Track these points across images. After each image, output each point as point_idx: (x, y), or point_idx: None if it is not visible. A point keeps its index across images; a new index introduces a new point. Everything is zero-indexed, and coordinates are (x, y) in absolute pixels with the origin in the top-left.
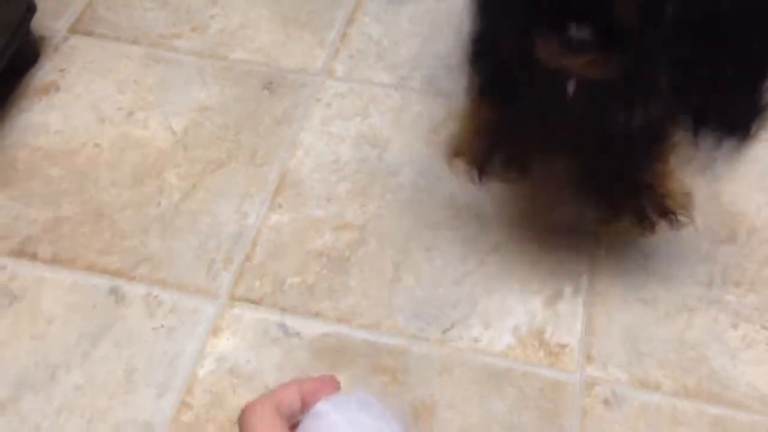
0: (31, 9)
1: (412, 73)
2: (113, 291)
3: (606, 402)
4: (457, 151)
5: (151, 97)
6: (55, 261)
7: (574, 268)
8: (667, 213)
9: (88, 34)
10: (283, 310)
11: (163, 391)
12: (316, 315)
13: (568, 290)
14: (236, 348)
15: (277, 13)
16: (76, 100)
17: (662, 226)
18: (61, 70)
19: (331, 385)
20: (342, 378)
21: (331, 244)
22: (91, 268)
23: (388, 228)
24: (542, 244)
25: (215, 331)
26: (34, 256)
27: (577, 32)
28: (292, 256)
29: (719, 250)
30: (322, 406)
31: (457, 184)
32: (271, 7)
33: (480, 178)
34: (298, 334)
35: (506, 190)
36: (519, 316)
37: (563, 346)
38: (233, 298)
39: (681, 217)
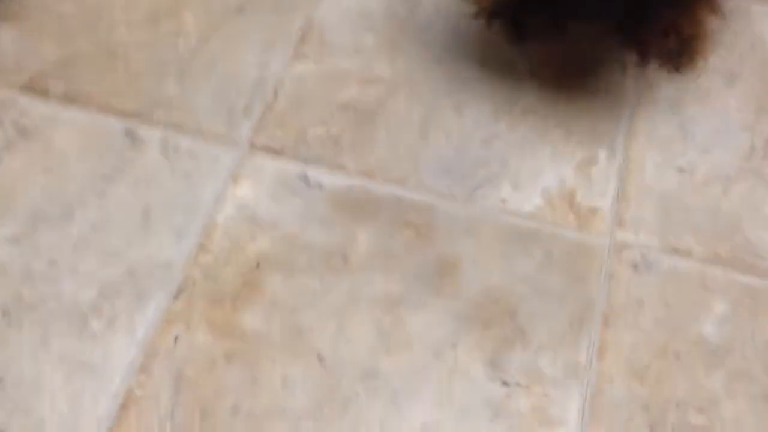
0: None
1: None
2: (129, 133)
3: (635, 266)
4: (492, 9)
5: None
6: (67, 99)
7: (609, 133)
8: (690, 53)
9: None
10: (306, 160)
11: (181, 234)
12: (340, 167)
13: (602, 155)
14: (256, 196)
15: None
16: None
17: (687, 66)
18: None
19: None
20: (364, 230)
21: (357, 96)
22: (105, 109)
23: (418, 83)
24: (577, 107)
25: (235, 178)
26: (45, 93)
27: None
28: (316, 106)
29: (762, 120)
30: None
31: (491, 44)
32: None
33: (514, 37)
34: (320, 185)
35: (541, 51)
36: (549, 179)
37: (594, 210)
38: (254, 147)
39: (703, 58)
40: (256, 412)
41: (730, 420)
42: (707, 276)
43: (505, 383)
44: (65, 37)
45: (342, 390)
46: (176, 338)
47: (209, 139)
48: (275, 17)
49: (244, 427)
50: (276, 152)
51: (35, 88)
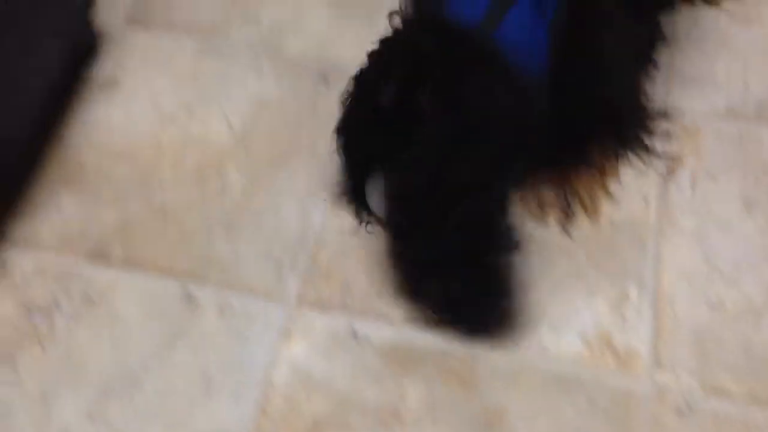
0: (90, 2)
1: None
2: (185, 295)
3: (678, 411)
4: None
5: (208, 92)
6: (127, 263)
7: (637, 268)
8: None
9: (144, 25)
10: (353, 313)
11: (239, 397)
12: (385, 318)
13: (633, 291)
14: (308, 354)
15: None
16: (136, 95)
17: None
18: (120, 64)
19: None
20: (412, 383)
21: None
22: (162, 270)
23: None
24: (603, 244)
25: (287, 335)
26: (108, 259)
27: None
28: (358, 257)
29: None
30: None
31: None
32: None
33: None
34: (368, 339)
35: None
36: (585, 320)
37: (631, 352)
38: (302, 301)
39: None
40: None
41: None
42: (749, 418)
43: None
44: (121, 201)
45: None
46: None
47: (259, 296)
48: (314, 168)
49: None
50: (323, 306)
51: (98, 254)
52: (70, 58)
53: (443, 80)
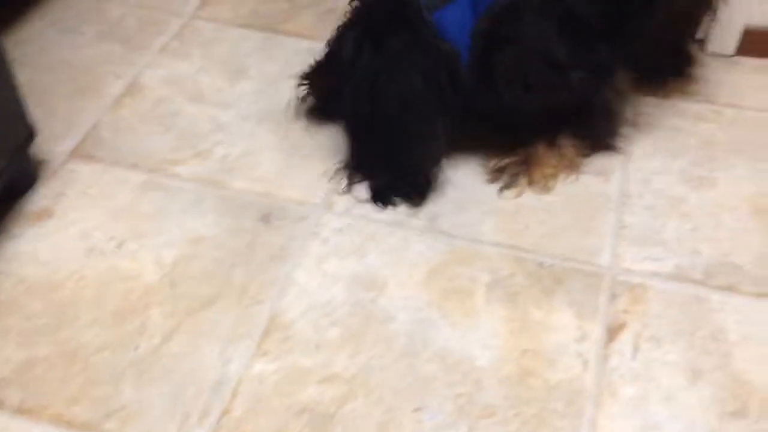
0: (31, 135)
1: (414, 210)
2: None
3: None
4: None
5: (144, 227)
6: (21, 410)
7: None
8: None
9: (89, 158)
10: None
11: None
12: None
13: None
14: None
15: (282, 140)
16: (68, 228)
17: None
18: (58, 196)
19: None
20: None
21: (316, 397)
22: (57, 420)
23: (378, 382)
24: (536, 410)
25: None
26: (1, 404)
27: None
28: (273, 411)
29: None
30: None
31: (453, 333)
32: (277, 134)
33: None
34: None
35: (501, 338)
36: None
37: None
38: None
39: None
40: None
41: None
42: None
43: None
44: (30, 340)
45: None
46: None
47: None
48: (241, 309)
49: None
50: None
51: None
52: (4, 189)
53: (383, 36)
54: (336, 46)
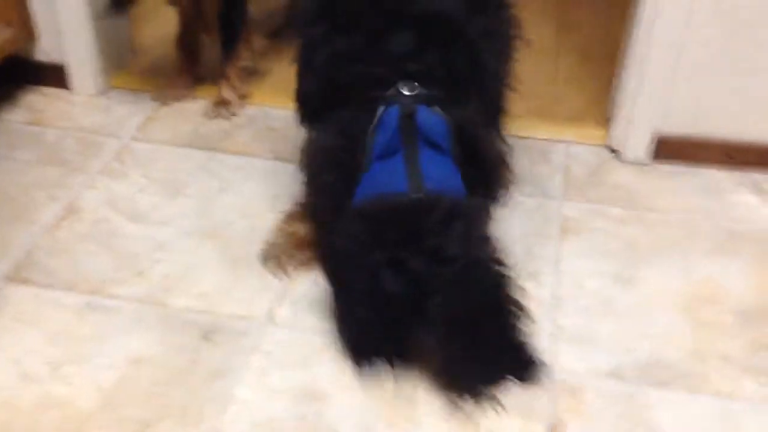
0: None
1: None
2: None
3: None
4: None
5: (82, 350)
6: None
7: None
8: None
9: (24, 281)
10: None
11: None
12: None
13: None
14: None
15: (224, 255)
16: (0, 354)
17: None
18: None
19: None
20: None
21: None
22: None
23: None
24: None
25: None
26: None
27: None
28: None
29: None
30: None
31: None
32: (219, 249)
33: None
34: None
35: None
36: None
37: None
38: None
39: None
40: None
41: None
42: None
43: None
44: None
45: None
46: None
47: None
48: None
49: None
50: None
51: None
52: None
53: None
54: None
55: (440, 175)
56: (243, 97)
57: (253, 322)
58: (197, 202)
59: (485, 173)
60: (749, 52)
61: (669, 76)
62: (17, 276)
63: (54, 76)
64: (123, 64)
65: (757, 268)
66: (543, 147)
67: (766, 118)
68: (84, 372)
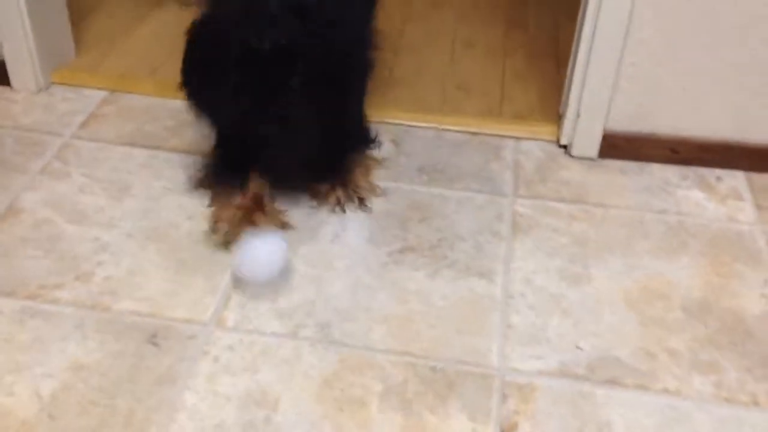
0: None
1: (305, 320)
2: None
3: None
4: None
5: (21, 358)
6: None
7: None
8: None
9: None
10: None
11: None
12: None
13: None
14: None
15: (169, 257)
16: None
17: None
18: None
19: None
20: None
21: None
22: None
23: None
24: None
25: None
26: None
27: None
28: None
29: None
30: None
31: None
32: (163, 252)
33: None
34: None
35: None
36: None
37: None
38: None
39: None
40: None
41: None
42: None
43: None
44: None
45: None
46: None
47: None
48: None
49: None
50: None
51: None
52: None
53: None
54: None
55: None
56: None
57: (200, 326)
58: (142, 203)
59: None
60: (689, 50)
61: (613, 73)
62: None
63: None
64: (65, 59)
65: (704, 263)
66: (494, 143)
67: (709, 113)
68: (24, 381)
